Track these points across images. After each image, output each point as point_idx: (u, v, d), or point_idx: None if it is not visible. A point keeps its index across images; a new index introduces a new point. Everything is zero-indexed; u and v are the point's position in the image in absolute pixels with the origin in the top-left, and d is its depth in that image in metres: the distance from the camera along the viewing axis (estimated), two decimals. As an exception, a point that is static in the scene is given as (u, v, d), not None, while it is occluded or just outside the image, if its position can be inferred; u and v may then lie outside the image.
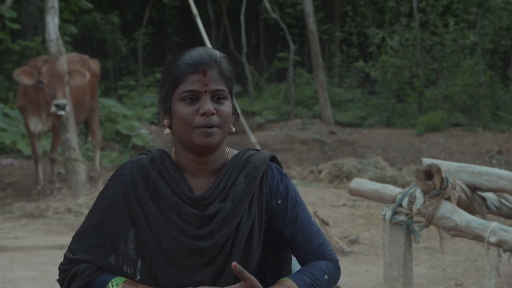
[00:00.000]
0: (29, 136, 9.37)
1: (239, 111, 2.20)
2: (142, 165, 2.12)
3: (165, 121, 2.11)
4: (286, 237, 2.15)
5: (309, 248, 2.14)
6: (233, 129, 2.13)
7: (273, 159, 2.21)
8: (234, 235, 2.07)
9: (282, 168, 2.22)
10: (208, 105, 2.03)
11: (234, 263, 1.99)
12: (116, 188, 2.12)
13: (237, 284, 2.01)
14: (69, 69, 8.77)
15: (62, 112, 8.35)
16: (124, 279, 2.09)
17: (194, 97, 2.05)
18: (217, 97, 2.06)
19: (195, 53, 2.08)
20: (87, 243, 2.11)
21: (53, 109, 8.32)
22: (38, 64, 8.64)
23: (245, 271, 2.00)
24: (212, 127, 2.03)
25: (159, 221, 2.06)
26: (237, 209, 2.08)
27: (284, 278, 2.09)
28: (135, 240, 2.10)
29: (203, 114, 2.03)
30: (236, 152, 2.20)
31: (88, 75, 8.77)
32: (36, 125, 8.86)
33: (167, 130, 2.12)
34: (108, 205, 2.11)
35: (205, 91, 2.05)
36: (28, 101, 8.65)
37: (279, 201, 2.15)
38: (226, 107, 2.07)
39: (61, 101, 8.31)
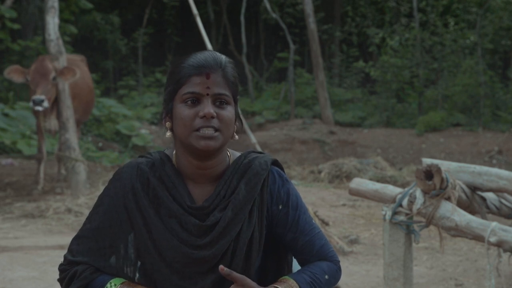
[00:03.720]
0: (38, 135, 9.39)
1: (240, 114, 2.17)
2: (142, 170, 2.10)
3: (167, 124, 2.09)
4: (287, 241, 2.15)
5: (310, 251, 2.14)
6: (236, 136, 2.10)
7: (275, 163, 2.18)
8: (234, 243, 2.06)
9: (284, 172, 2.19)
10: (208, 107, 2.01)
11: (220, 266, 1.99)
12: (116, 193, 2.10)
13: (231, 287, 2.01)
14: (62, 67, 8.72)
15: (39, 108, 8.35)
16: (122, 280, 2.09)
17: (195, 99, 2.03)
18: (219, 101, 2.04)
19: (200, 56, 2.06)
20: (86, 246, 2.11)
21: (30, 104, 8.37)
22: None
23: (232, 272, 2.00)
24: (212, 130, 2.01)
25: (159, 228, 2.05)
26: (238, 218, 2.06)
27: (284, 277, 2.10)
28: (135, 245, 2.09)
29: (203, 117, 2.00)
30: (238, 154, 2.17)
31: (79, 73, 8.73)
32: (53, 123, 8.90)
33: (169, 133, 2.10)
34: (108, 210, 2.10)
35: (207, 94, 2.02)
36: None
37: (280, 207, 2.13)
38: (228, 112, 2.04)
39: (38, 96, 8.30)
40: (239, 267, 2.05)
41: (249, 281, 2.01)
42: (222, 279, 2.04)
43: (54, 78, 8.55)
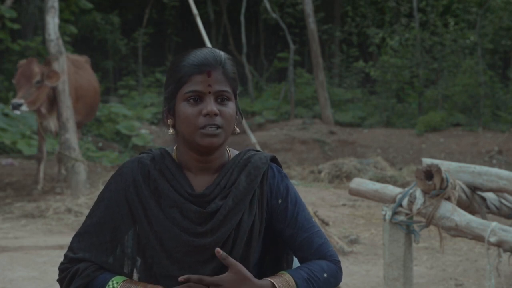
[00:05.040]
0: (38, 135, 9.39)
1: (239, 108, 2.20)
2: (143, 164, 2.13)
3: (169, 121, 2.12)
4: (286, 237, 2.16)
5: (309, 248, 2.15)
6: (237, 130, 2.14)
7: (274, 159, 2.22)
8: (235, 232, 2.08)
9: (282, 169, 2.23)
10: (211, 105, 2.04)
11: (217, 249, 2.00)
12: (117, 187, 2.12)
13: (225, 274, 2.02)
14: (49, 70, 8.62)
15: (16, 112, 8.38)
16: (124, 278, 2.10)
17: (198, 98, 2.06)
18: (220, 98, 2.07)
19: (200, 54, 2.09)
20: (88, 241, 2.11)
21: (10, 107, 8.40)
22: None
23: (229, 256, 2.01)
24: (215, 127, 2.04)
25: (160, 218, 2.07)
26: (238, 207, 2.09)
27: (281, 272, 2.11)
28: (136, 239, 2.11)
29: (206, 115, 2.04)
30: (237, 152, 2.21)
31: (61, 76, 8.67)
32: (53, 123, 8.91)
33: (171, 130, 2.13)
34: (109, 204, 2.12)
35: (209, 92, 2.06)
36: (46, 99, 8.69)
37: (279, 201, 2.15)
38: (229, 108, 2.08)
39: (16, 100, 8.31)
40: (239, 256, 2.07)
41: (242, 267, 2.02)
42: (222, 267, 2.05)
43: (38, 82, 8.47)
